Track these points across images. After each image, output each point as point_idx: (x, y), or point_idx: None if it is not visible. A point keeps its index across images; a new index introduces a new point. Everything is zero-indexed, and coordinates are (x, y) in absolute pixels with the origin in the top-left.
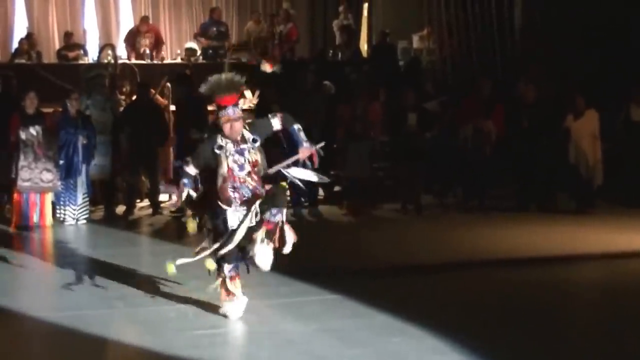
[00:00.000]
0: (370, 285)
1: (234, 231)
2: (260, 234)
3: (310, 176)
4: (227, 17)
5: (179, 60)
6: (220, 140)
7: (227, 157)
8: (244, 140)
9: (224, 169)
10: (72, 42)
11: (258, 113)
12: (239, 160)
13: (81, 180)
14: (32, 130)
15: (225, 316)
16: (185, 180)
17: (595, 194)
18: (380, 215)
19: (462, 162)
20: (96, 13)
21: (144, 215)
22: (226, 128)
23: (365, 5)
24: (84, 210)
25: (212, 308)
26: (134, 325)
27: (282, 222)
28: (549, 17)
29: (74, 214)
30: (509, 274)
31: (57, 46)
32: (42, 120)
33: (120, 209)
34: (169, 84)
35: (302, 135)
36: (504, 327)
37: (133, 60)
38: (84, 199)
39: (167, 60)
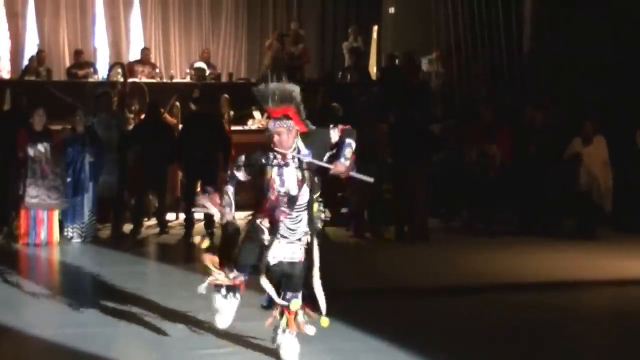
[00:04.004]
0: (375, 308)
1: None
2: (282, 324)
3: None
4: (236, 38)
5: (188, 80)
6: (269, 152)
7: (271, 167)
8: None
9: (266, 178)
10: (82, 60)
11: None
12: (281, 174)
13: (88, 198)
14: (40, 147)
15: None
16: (230, 189)
17: (604, 220)
18: (386, 237)
19: (468, 186)
20: (107, 31)
21: (151, 234)
22: (275, 139)
23: (375, 27)
24: (91, 228)
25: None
26: (139, 344)
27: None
28: (557, 41)
29: (81, 232)
30: (515, 298)
31: (67, 64)
32: (50, 137)
33: (128, 228)
34: (177, 103)
35: (347, 151)
36: (512, 351)
37: (143, 79)
38: (91, 216)
39: (177, 79)
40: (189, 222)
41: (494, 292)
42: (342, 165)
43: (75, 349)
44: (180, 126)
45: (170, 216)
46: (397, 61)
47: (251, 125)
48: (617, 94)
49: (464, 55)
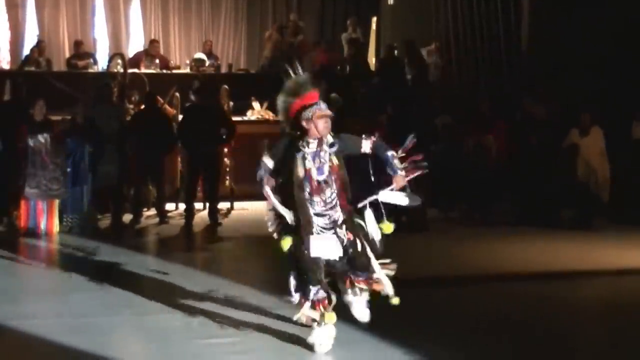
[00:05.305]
0: (373, 297)
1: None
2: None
3: (401, 199)
4: (236, 30)
5: (187, 70)
6: (298, 142)
7: (304, 158)
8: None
9: (300, 173)
10: (81, 51)
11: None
12: (317, 161)
13: (88, 188)
14: (40, 138)
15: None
16: (262, 173)
17: (601, 211)
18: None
19: (465, 177)
20: (106, 22)
21: (150, 224)
22: (320, 124)
23: (374, 19)
24: (91, 218)
25: (217, 317)
26: (139, 333)
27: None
28: (555, 34)
29: (80, 222)
30: (514, 288)
31: (67, 54)
32: (50, 128)
33: (127, 218)
34: (177, 94)
35: (396, 162)
36: (511, 341)
37: (143, 70)
38: (90, 207)
39: (176, 70)
40: (189, 213)
41: (492, 282)
42: (401, 177)
43: (74, 338)
44: (180, 117)
45: (170, 206)
46: (396, 52)
47: (250, 115)
48: (614, 86)
49: (463, 47)
